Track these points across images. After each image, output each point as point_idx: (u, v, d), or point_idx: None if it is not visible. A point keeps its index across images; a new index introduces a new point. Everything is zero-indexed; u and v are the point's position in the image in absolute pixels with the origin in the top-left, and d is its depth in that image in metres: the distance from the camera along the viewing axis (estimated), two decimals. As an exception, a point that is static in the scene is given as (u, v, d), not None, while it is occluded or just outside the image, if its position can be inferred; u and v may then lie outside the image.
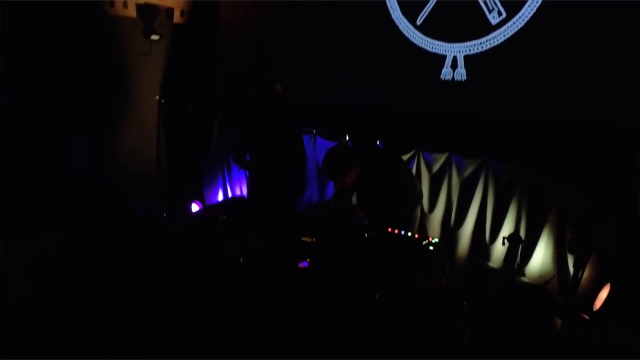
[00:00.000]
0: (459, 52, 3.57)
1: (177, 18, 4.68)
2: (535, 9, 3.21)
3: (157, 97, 4.75)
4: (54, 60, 3.80)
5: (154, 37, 4.45)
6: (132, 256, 2.61)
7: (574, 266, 2.25)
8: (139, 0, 4.31)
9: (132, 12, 4.29)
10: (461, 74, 3.59)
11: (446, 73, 3.65)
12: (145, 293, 2.28)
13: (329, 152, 2.92)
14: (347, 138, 3.88)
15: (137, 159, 4.68)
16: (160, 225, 2.94)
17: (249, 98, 3.78)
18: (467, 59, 3.55)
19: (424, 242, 2.63)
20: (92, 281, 2.38)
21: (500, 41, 3.39)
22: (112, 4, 4.14)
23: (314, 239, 2.58)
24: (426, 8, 3.65)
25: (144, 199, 4.33)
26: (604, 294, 2.62)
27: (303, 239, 2.60)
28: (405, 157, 3.63)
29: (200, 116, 4.68)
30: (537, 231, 3.06)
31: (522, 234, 3.07)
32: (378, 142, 3.68)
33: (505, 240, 2.80)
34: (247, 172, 3.73)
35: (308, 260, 2.35)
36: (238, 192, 4.62)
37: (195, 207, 4.45)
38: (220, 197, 4.71)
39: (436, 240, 2.66)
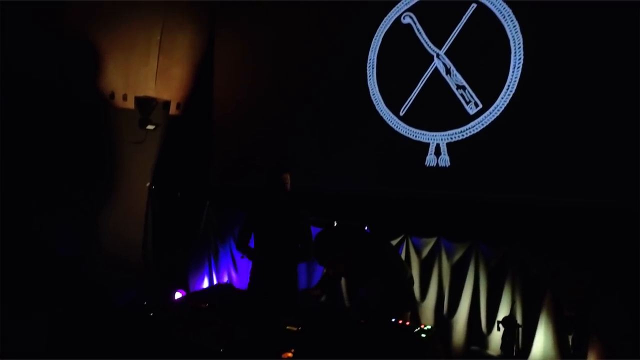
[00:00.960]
0: (442, 140, 3.73)
1: (173, 110, 4.93)
2: (508, 100, 3.43)
3: (148, 184, 4.81)
4: (48, 146, 3.91)
5: (150, 127, 4.64)
6: (107, 347, 2.45)
7: (572, 349, 2.13)
8: (139, 93, 4.56)
9: (130, 104, 4.53)
10: (445, 160, 3.71)
11: (430, 160, 3.78)
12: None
13: (319, 236, 2.85)
14: (335, 224, 3.87)
15: (123, 245, 4.60)
16: (139, 315, 2.79)
17: (250, 186, 3.78)
18: (450, 146, 3.70)
19: (415, 330, 2.50)
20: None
21: (479, 129, 3.56)
22: (112, 96, 4.37)
23: (299, 328, 2.45)
24: (408, 100, 3.88)
25: (127, 286, 4.18)
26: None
27: (288, 327, 2.46)
28: (393, 242, 3.60)
29: (190, 203, 4.70)
30: (535, 315, 2.94)
31: (519, 318, 2.95)
32: (366, 228, 3.67)
33: (500, 325, 2.68)
34: (252, 260, 3.54)
35: (293, 350, 2.21)
36: (225, 280, 4.48)
37: (178, 295, 4.28)
38: (206, 285, 4.56)
39: (429, 327, 2.53)
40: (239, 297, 3.01)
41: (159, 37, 4.47)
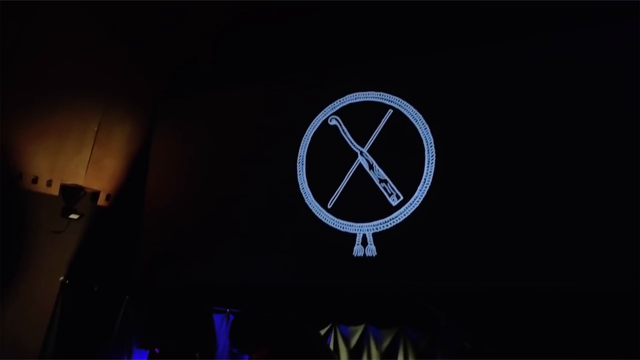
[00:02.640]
0: (368, 230, 3.89)
1: (101, 201, 4.78)
2: (425, 192, 3.74)
3: (62, 278, 4.42)
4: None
5: (73, 216, 4.44)
6: None
7: None
8: (66, 181, 4.43)
9: (54, 191, 4.36)
10: (371, 250, 3.83)
11: (358, 250, 3.88)
12: None
13: (237, 322, 2.75)
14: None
15: (17, 349, 4.02)
16: None
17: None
18: (376, 236, 3.85)
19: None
20: None
21: (402, 219, 3.78)
22: (35, 181, 4.21)
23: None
24: (335, 194, 4.09)
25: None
26: None
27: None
28: (321, 332, 3.48)
29: (107, 298, 4.33)
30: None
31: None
32: (293, 317, 3.54)
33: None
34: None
35: None
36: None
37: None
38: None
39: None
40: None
41: (95, 128, 4.54)
